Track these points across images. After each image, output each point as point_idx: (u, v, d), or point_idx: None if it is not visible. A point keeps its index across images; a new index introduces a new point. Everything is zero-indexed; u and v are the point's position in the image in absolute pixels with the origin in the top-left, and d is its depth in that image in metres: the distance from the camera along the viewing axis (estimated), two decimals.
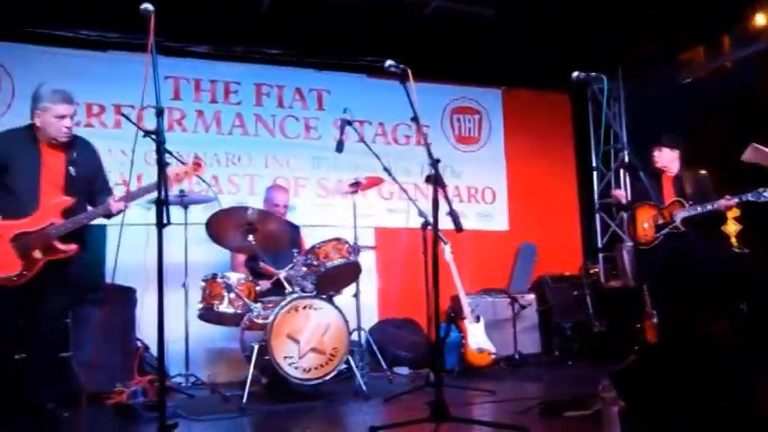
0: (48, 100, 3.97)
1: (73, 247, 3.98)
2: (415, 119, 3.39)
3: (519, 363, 5.85)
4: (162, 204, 2.91)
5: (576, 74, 3.95)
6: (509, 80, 7.28)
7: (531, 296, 6.44)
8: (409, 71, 3.52)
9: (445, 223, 3.43)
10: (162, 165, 2.96)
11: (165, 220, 2.92)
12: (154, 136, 3.05)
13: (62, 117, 3.98)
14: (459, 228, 3.11)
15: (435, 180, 3.16)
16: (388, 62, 3.59)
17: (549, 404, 3.56)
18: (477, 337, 5.49)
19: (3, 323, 3.94)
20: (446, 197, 3.17)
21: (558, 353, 6.30)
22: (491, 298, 6.19)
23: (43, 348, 4.07)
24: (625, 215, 5.94)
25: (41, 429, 3.88)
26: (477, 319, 5.58)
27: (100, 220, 4.39)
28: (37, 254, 3.88)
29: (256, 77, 6.48)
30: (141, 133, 3.19)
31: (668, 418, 2.44)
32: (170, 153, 4.09)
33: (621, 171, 7.42)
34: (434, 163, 3.20)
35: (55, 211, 3.95)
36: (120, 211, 3.99)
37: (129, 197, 4.05)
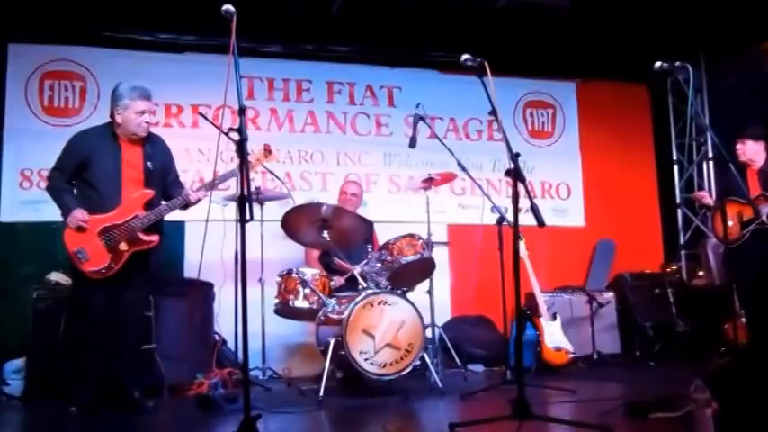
0: (127, 97, 4.09)
1: (155, 238, 4.11)
2: (493, 112, 3.32)
3: (598, 362, 5.71)
4: (245, 200, 2.93)
5: (658, 64, 3.80)
6: (584, 72, 7.10)
7: (610, 294, 6.27)
8: (486, 64, 3.45)
9: (522, 219, 3.35)
10: (244, 161, 2.98)
11: (247, 216, 2.93)
12: (236, 133, 3.06)
13: (142, 113, 4.10)
14: (541, 222, 3.03)
15: (515, 174, 3.10)
16: (465, 56, 3.53)
17: (634, 405, 3.44)
18: (553, 336, 5.40)
19: (95, 314, 4.08)
20: (527, 191, 3.10)
21: (638, 353, 6.08)
22: (568, 296, 6.06)
23: (130, 338, 4.22)
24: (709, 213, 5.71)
25: (129, 416, 4.01)
26: (554, 317, 5.49)
27: (178, 216, 4.51)
28: (123, 246, 4.02)
29: (328, 75, 6.53)
30: (225, 131, 3.22)
31: (764, 421, 2.33)
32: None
33: (705, 164, 7.15)
34: (514, 157, 3.13)
35: (138, 204, 4.07)
36: (197, 201, 4.13)
37: (207, 187, 4.17)
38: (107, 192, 4.08)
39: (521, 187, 3.09)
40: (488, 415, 3.22)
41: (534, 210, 3.04)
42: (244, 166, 2.98)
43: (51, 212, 5.57)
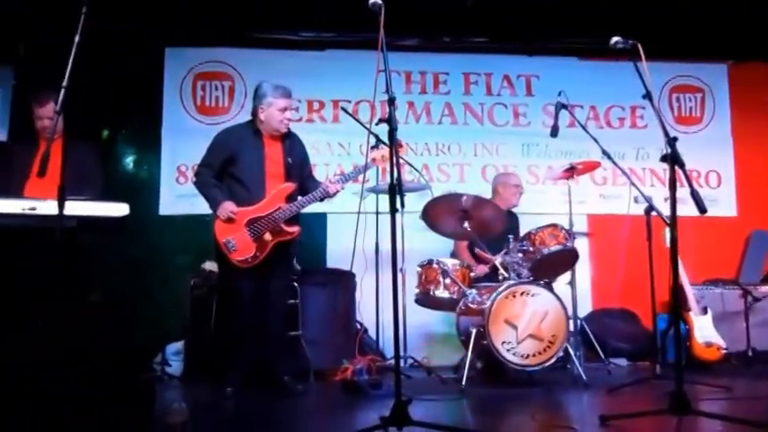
0: (270, 95, 4.29)
1: (296, 228, 4.29)
2: (647, 95, 3.20)
3: (752, 360, 5.37)
4: (395, 190, 2.99)
5: None
6: (737, 53, 6.69)
7: (766, 288, 5.88)
8: (639, 46, 3.33)
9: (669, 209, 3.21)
10: (395, 151, 3.04)
11: (397, 206, 2.99)
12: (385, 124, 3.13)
13: (284, 110, 4.29)
14: (702, 209, 2.90)
15: (673, 159, 2.98)
16: (615, 39, 3.42)
17: None
18: (704, 331, 5.14)
19: (243, 301, 4.30)
20: (686, 176, 2.97)
21: None
22: (719, 289, 5.73)
23: (277, 325, 4.42)
24: None
25: (280, 398, 4.20)
26: (704, 311, 5.23)
27: (319, 208, 4.68)
28: (267, 236, 4.21)
29: (465, 66, 6.52)
30: (373, 124, 3.32)
31: None
32: (377, 137, 4.32)
33: None
34: (672, 141, 3.01)
35: (281, 197, 4.26)
36: (336, 193, 4.26)
37: (344, 179, 4.28)
38: (252, 186, 4.28)
39: (679, 173, 2.97)
40: (640, 409, 3.13)
41: (695, 196, 2.91)
42: (394, 156, 3.03)
43: (205, 206, 5.95)
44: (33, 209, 3.44)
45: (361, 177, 4.61)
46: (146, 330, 5.41)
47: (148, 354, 5.02)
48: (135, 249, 5.62)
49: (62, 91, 2.87)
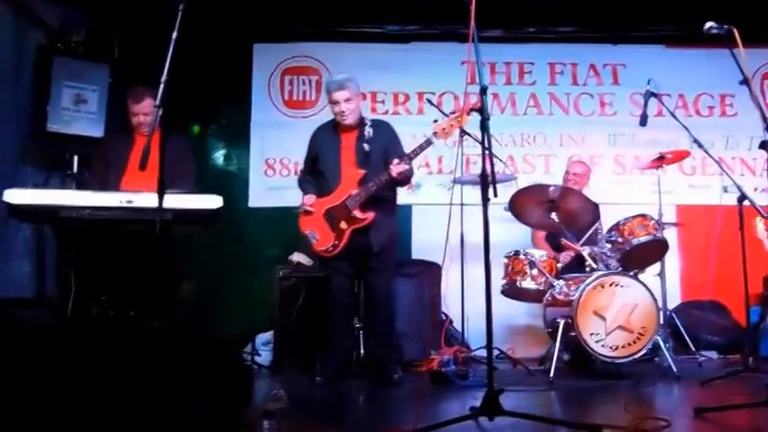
0: (327, 90, 4.47)
1: (370, 215, 4.29)
2: (745, 82, 3.12)
3: None
4: (486, 179, 3.02)
5: None
6: None
7: None
8: (735, 31, 3.24)
9: (763, 198, 3.12)
10: (487, 140, 3.07)
11: (490, 195, 3.02)
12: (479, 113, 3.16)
13: (335, 103, 4.38)
14: None
15: None
16: (708, 24, 3.35)
17: None
18: None
19: (335, 292, 4.44)
20: None
21: None
22: None
23: (378, 318, 4.51)
24: None
25: (369, 389, 4.33)
26: None
27: (404, 199, 4.71)
28: (343, 225, 4.31)
29: (550, 56, 6.46)
30: (447, 113, 3.34)
31: None
32: (443, 113, 4.29)
33: None
34: None
35: (352, 184, 4.32)
36: (400, 175, 4.18)
37: (405, 161, 4.21)
38: (330, 176, 4.41)
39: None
40: (734, 401, 3.07)
41: None
42: (489, 148, 3.06)
43: (292, 198, 6.12)
44: (131, 202, 3.63)
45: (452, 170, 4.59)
46: (236, 321, 5.65)
47: (239, 344, 5.20)
48: (226, 241, 5.83)
49: (161, 86, 3.00)
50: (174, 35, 3.01)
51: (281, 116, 6.39)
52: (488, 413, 2.85)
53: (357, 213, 4.28)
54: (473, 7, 3.15)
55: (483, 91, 3.12)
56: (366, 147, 4.34)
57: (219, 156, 6.52)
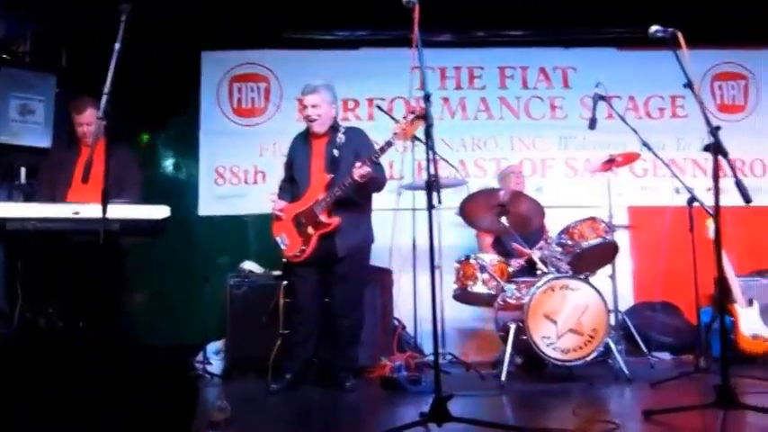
0: (300, 93, 4.46)
1: (336, 219, 4.25)
2: (688, 84, 3.14)
3: None
4: (432, 186, 2.98)
5: None
6: None
7: None
8: (679, 34, 3.27)
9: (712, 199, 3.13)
10: (431, 147, 3.04)
11: (434, 203, 2.99)
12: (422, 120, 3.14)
13: (304, 107, 4.40)
14: (747, 199, 2.84)
15: (716, 148, 2.92)
16: (654, 27, 3.36)
17: None
18: (750, 323, 5.04)
19: (299, 298, 4.39)
20: (730, 166, 2.91)
21: None
22: (766, 280, 5.59)
23: (336, 323, 4.42)
24: None
25: (321, 396, 4.24)
26: (750, 303, 5.12)
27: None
28: (310, 230, 4.26)
29: (500, 60, 6.46)
30: (397, 119, 3.32)
31: None
32: (393, 119, 4.24)
33: None
34: (714, 130, 2.95)
35: (320, 189, 4.28)
36: (362, 177, 4.10)
37: (367, 163, 4.12)
38: (301, 182, 4.41)
39: (722, 163, 2.91)
40: (684, 403, 3.08)
41: (739, 185, 2.84)
42: (433, 154, 3.02)
43: (243, 206, 6.08)
44: (77, 213, 3.57)
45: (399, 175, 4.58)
46: (187, 330, 5.54)
47: (190, 353, 5.10)
48: (176, 250, 5.73)
49: (104, 97, 2.95)
50: (117, 46, 2.98)
51: (230, 124, 6.30)
52: (437, 419, 2.83)
53: (323, 218, 4.24)
54: (417, 13, 3.12)
55: (427, 98, 3.10)
56: (335, 152, 4.31)
57: (169, 164, 6.40)
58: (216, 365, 5.16)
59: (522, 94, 6.45)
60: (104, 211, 2.96)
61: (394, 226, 5.43)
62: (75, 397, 2.45)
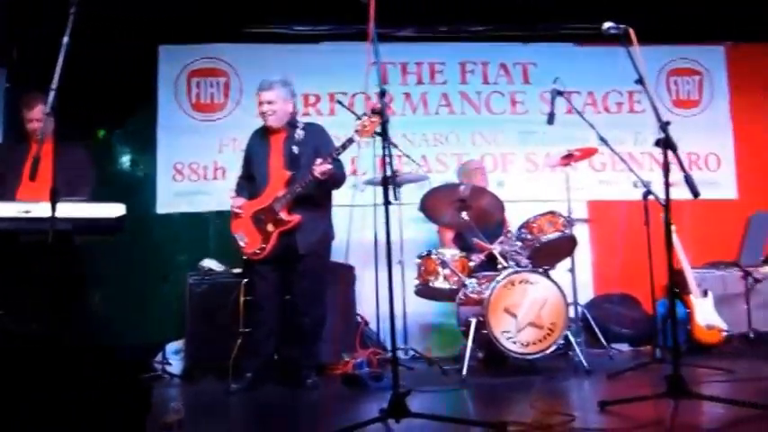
0: (257, 89, 4.38)
1: (296, 217, 4.22)
2: (640, 81, 3.19)
3: (754, 341, 5.35)
4: (388, 182, 2.98)
5: None
6: (734, 35, 6.62)
7: (767, 269, 5.83)
8: (631, 31, 3.31)
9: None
10: (386, 142, 3.03)
11: (391, 198, 2.98)
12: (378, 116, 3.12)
13: (260, 104, 4.34)
14: (695, 193, 2.88)
15: (666, 143, 2.96)
16: (607, 24, 3.40)
17: None
18: (705, 314, 5.14)
19: (259, 296, 4.35)
20: (679, 160, 2.96)
21: None
22: (720, 272, 5.71)
23: (297, 319, 4.37)
24: None
25: (283, 395, 4.23)
26: (705, 294, 5.22)
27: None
28: (270, 227, 4.23)
29: (461, 56, 6.48)
30: (359, 114, 3.31)
31: None
32: (354, 114, 4.23)
33: None
34: (664, 125, 3.00)
35: (279, 185, 4.24)
36: (323, 174, 4.08)
37: (328, 160, 4.10)
38: (260, 178, 4.36)
39: (672, 157, 2.95)
40: (639, 393, 3.12)
41: (688, 180, 2.89)
42: (387, 149, 3.02)
43: (202, 204, 6.00)
44: (27, 212, 3.47)
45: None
46: (145, 330, 5.46)
47: (148, 353, 5.03)
48: (134, 249, 5.64)
49: (51, 93, 2.87)
50: (66, 40, 2.90)
51: (188, 120, 6.21)
52: (395, 415, 2.83)
53: (283, 215, 4.21)
54: (372, 9, 3.11)
55: (382, 94, 3.08)
56: (295, 149, 4.28)
57: (126, 161, 6.28)
58: (175, 365, 5.09)
59: (483, 89, 6.48)
60: (53, 209, 2.86)
61: (356, 222, 5.42)
62: (26, 397, 2.41)
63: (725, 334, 5.08)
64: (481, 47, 6.50)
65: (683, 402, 2.90)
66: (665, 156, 3.00)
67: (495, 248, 4.75)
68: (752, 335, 5.40)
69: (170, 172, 6.11)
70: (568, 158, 5.00)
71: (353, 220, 5.42)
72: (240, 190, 4.51)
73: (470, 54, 6.49)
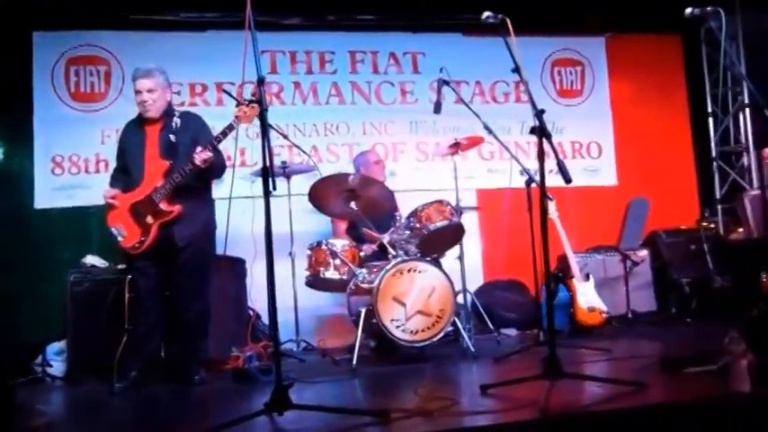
0: (132, 78, 4.26)
1: (177, 207, 4.11)
2: (516, 70, 3.26)
3: (632, 321, 5.62)
4: (267, 172, 2.92)
5: (689, 10, 3.65)
6: (613, 26, 6.90)
7: (644, 252, 6.10)
8: (508, 20, 3.39)
9: (550, 180, 3.27)
10: (265, 132, 2.97)
11: (270, 188, 2.94)
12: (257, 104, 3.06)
13: (138, 92, 4.20)
14: (567, 179, 2.97)
15: (540, 131, 3.04)
16: (486, 14, 3.47)
17: (668, 360, 3.41)
18: (586, 297, 5.34)
19: (141, 291, 4.24)
20: (552, 148, 3.04)
21: (674, 310, 5.96)
22: (601, 256, 5.94)
23: (181, 317, 4.28)
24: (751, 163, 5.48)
25: (171, 390, 4.14)
26: (587, 278, 5.42)
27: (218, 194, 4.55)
28: (149, 219, 4.10)
29: (350, 45, 6.46)
30: (245, 102, 3.25)
31: None
32: (243, 103, 4.15)
33: (741, 115, 6.91)
34: (539, 113, 3.08)
35: (157, 176, 4.12)
36: (204, 162, 3.98)
37: (208, 148, 4.00)
38: (135, 170, 4.22)
39: (547, 145, 3.04)
40: (521, 375, 3.22)
41: (561, 166, 2.97)
42: (266, 138, 2.96)
43: (84, 198, 5.73)
44: None
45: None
46: (25, 331, 5.27)
47: (27, 355, 4.78)
48: (11, 246, 5.41)
49: None
50: None
51: (67, 110, 5.90)
52: (277, 408, 2.83)
53: (163, 206, 4.08)
54: None
55: (260, 82, 3.04)
56: (172, 138, 4.16)
57: (0, 155, 5.92)
58: (57, 367, 4.85)
59: (373, 78, 6.49)
60: None
61: (247, 214, 5.30)
62: None
63: (605, 316, 5.27)
64: (371, 36, 6.51)
65: (561, 382, 2.99)
66: (540, 144, 3.08)
67: (385, 238, 4.77)
68: (630, 315, 5.66)
69: (48, 165, 5.80)
70: (455, 147, 5.08)
71: (245, 213, 5.30)
72: (115, 182, 4.33)
73: (360, 43, 6.48)
